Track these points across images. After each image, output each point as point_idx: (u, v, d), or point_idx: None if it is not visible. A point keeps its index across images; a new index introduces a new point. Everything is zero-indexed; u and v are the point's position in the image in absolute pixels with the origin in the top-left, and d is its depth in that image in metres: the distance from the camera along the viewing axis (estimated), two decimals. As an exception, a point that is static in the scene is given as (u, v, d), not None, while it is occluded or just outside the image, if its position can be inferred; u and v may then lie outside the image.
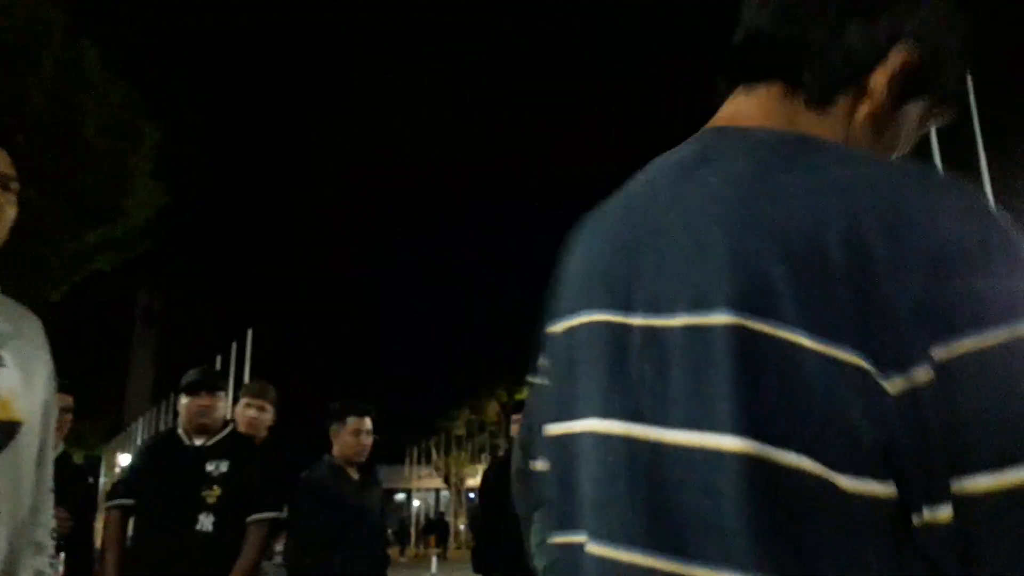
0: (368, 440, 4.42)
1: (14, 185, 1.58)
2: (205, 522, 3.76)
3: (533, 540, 2.10)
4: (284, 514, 4.17)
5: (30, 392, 1.60)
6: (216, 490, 3.83)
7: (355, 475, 4.41)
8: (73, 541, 4.21)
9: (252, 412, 4.64)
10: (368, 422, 4.43)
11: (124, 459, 23.05)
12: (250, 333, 18.69)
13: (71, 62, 17.73)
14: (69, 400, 4.16)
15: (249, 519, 3.89)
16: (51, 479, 1.77)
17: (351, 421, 4.40)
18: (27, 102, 16.22)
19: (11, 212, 1.58)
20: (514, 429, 4.55)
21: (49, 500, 1.75)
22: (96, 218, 17.51)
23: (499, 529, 4.43)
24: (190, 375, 4.08)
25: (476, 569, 4.83)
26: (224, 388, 4.21)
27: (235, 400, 4.99)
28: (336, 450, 4.43)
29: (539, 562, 2.08)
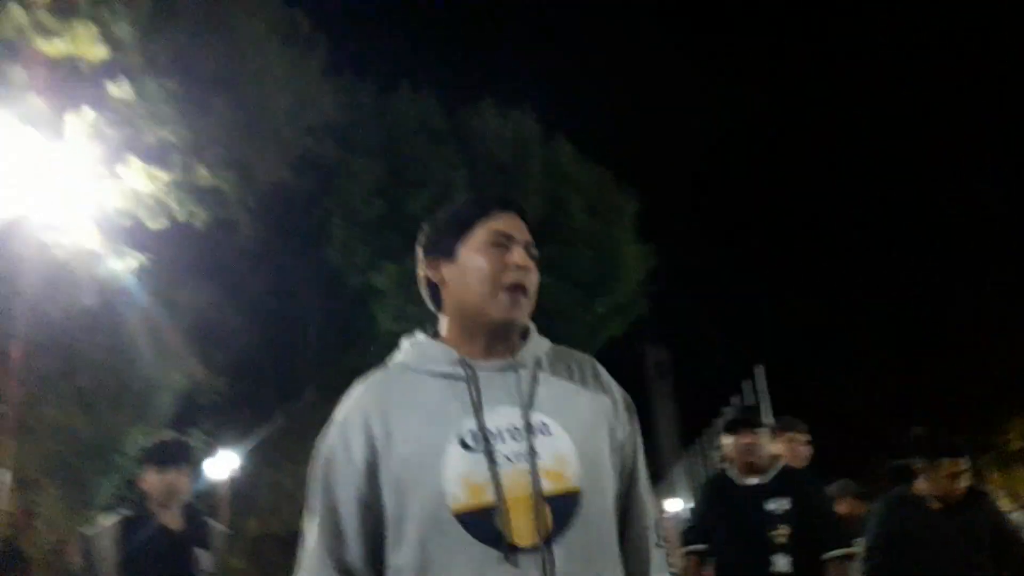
0: (961, 483, 3.78)
1: (534, 251, 1.61)
2: (780, 563, 3.68)
3: None
4: (856, 548, 3.89)
5: (584, 454, 1.48)
6: (784, 529, 3.73)
7: (935, 507, 3.80)
8: None
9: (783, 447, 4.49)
10: (963, 463, 3.79)
11: (670, 504, 24.24)
12: (762, 370, 18.70)
13: (552, 162, 20.04)
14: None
15: (825, 556, 3.72)
16: (653, 532, 1.62)
17: (944, 464, 3.77)
18: (526, 204, 18.59)
19: (536, 277, 1.60)
20: None
21: (660, 564, 1.61)
22: (599, 290, 19.24)
23: None
24: (728, 414, 4.10)
25: None
26: (765, 425, 4.14)
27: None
28: (923, 485, 3.84)
29: None
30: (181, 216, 12.43)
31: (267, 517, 18.10)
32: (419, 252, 1.65)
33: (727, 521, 3.91)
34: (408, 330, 1.68)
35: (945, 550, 3.69)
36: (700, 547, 3.99)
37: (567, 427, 1.48)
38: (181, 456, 3.46)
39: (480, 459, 1.41)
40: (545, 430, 1.46)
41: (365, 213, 16.49)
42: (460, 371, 1.51)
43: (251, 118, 13.63)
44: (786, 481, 3.91)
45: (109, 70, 11.87)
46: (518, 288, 1.54)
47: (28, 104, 11.05)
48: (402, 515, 1.40)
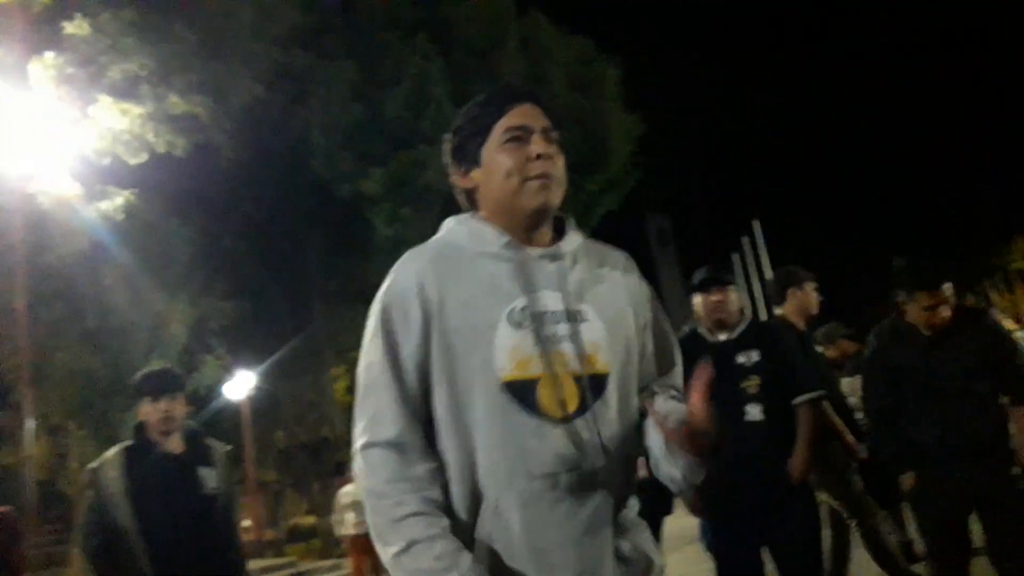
0: (942, 313, 3.73)
1: (554, 134, 1.69)
2: (753, 412, 3.84)
3: None
4: (825, 392, 4.05)
5: (614, 340, 1.64)
6: (754, 380, 3.88)
7: (926, 333, 3.76)
8: None
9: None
10: (943, 292, 3.71)
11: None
12: (758, 225, 18.88)
13: (529, 38, 19.57)
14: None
15: (795, 401, 3.88)
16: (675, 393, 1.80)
17: (921, 297, 3.71)
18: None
19: (560, 160, 1.69)
20: None
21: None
22: (589, 167, 19.09)
23: None
24: (698, 274, 4.17)
25: None
26: (733, 281, 4.23)
27: (752, 293, 4.98)
28: (911, 315, 3.81)
29: None
30: (160, 147, 12.36)
31: (292, 429, 18.72)
32: (447, 162, 1.76)
33: (701, 377, 4.03)
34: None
35: (936, 377, 3.73)
36: (675, 405, 4.13)
37: (600, 315, 1.64)
38: (170, 384, 3.62)
39: (527, 336, 1.56)
40: (582, 317, 1.62)
41: (344, 119, 16.28)
42: (510, 254, 1.63)
43: (215, 38, 13.33)
44: (754, 334, 4.03)
45: (63, 9, 11.59)
46: (543, 175, 1.63)
47: (-12, 55, 10.88)
48: (452, 377, 1.55)
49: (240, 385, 16.02)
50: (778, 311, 4.88)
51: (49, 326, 11.97)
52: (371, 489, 1.53)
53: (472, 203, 1.74)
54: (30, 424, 9.95)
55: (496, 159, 1.65)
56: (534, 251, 1.65)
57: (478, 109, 1.70)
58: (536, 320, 1.57)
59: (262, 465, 17.63)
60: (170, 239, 13.39)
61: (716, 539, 4.01)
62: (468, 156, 1.70)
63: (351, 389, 19.46)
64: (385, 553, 1.51)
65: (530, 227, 1.66)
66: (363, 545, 10.57)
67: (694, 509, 4.03)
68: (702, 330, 4.13)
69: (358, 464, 1.57)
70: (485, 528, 1.52)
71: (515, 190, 1.63)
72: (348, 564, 13.76)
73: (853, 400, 5.44)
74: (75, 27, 11.52)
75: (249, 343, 15.82)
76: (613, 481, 1.59)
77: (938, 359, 3.76)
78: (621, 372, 1.65)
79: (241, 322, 14.80)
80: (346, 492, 10.96)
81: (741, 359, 3.94)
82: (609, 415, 1.60)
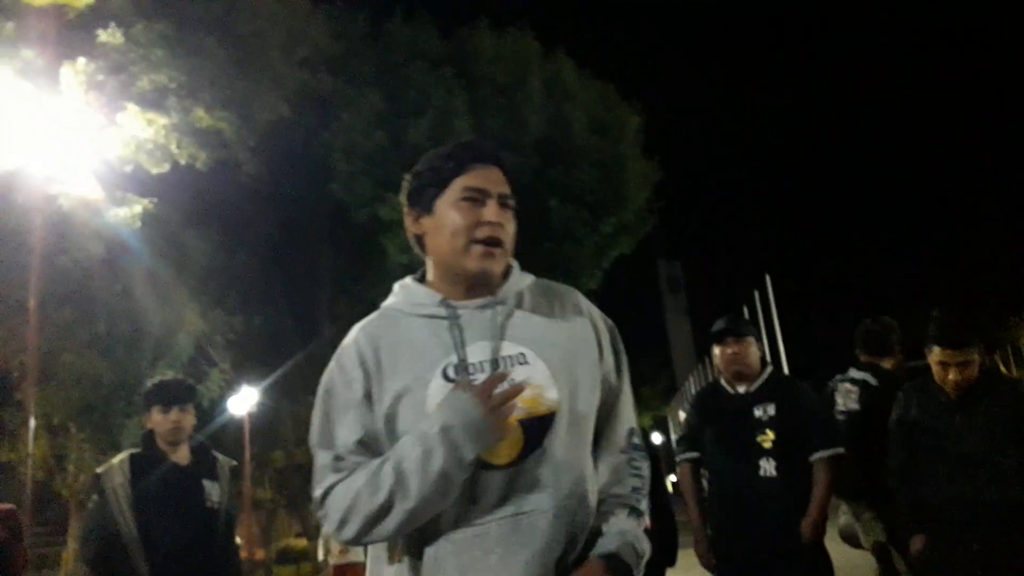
0: (951, 376, 3.62)
1: (511, 202, 1.68)
2: (767, 467, 3.77)
3: None
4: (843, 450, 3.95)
5: (561, 378, 1.60)
6: (769, 434, 3.83)
7: (952, 396, 3.66)
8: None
9: None
10: (959, 355, 3.58)
11: (684, 415, 24.66)
12: (768, 279, 18.89)
13: (552, 79, 19.76)
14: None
15: (812, 458, 3.81)
16: (625, 438, 1.72)
17: (934, 351, 3.64)
18: (528, 126, 18.50)
19: (512, 227, 1.68)
20: None
21: (625, 464, 1.70)
22: (605, 210, 19.17)
23: None
24: (716, 325, 4.14)
25: None
26: (752, 333, 4.19)
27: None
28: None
29: None
30: (182, 159, 12.46)
31: (291, 449, 18.59)
32: (403, 202, 1.73)
33: (716, 429, 4.00)
34: (418, 261, 1.77)
35: (958, 442, 3.64)
36: (692, 455, 4.10)
37: (542, 355, 1.61)
38: (183, 395, 3.59)
39: None
40: (522, 359, 1.60)
41: (366, 145, 16.43)
42: (443, 312, 1.63)
43: (245, 56, 13.51)
44: (772, 387, 3.97)
45: (98, 17, 11.77)
46: (491, 242, 1.62)
47: (22, 58, 11.02)
48: (392, 441, 1.55)
49: (244, 400, 16.01)
50: (872, 359, 4.47)
51: (59, 327, 11.99)
52: (347, 509, 1.51)
53: (421, 247, 1.73)
54: (33, 423, 9.91)
55: (448, 214, 1.64)
56: (471, 303, 1.64)
57: (441, 160, 1.68)
58: (471, 372, 1.56)
59: (258, 483, 17.48)
60: (185, 250, 13.45)
61: None
62: (422, 203, 1.68)
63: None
64: (396, 519, 1.48)
65: (470, 285, 1.65)
66: (344, 575, 10.67)
67: (706, 563, 3.96)
68: (723, 382, 4.10)
69: (322, 515, 1.56)
70: None
71: (459, 250, 1.61)
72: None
73: None
74: (108, 35, 11.69)
75: (254, 359, 15.81)
76: (566, 521, 1.54)
77: (962, 424, 3.67)
78: (570, 410, 1.60)
79: (248, 338, 14.80)
80: None
81: (758, 412, 3.89)
82: (560, 454, 1.55)
